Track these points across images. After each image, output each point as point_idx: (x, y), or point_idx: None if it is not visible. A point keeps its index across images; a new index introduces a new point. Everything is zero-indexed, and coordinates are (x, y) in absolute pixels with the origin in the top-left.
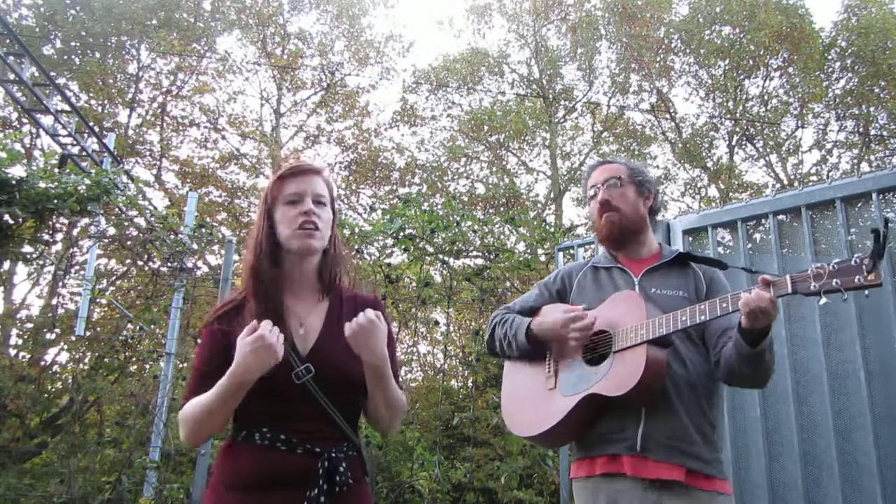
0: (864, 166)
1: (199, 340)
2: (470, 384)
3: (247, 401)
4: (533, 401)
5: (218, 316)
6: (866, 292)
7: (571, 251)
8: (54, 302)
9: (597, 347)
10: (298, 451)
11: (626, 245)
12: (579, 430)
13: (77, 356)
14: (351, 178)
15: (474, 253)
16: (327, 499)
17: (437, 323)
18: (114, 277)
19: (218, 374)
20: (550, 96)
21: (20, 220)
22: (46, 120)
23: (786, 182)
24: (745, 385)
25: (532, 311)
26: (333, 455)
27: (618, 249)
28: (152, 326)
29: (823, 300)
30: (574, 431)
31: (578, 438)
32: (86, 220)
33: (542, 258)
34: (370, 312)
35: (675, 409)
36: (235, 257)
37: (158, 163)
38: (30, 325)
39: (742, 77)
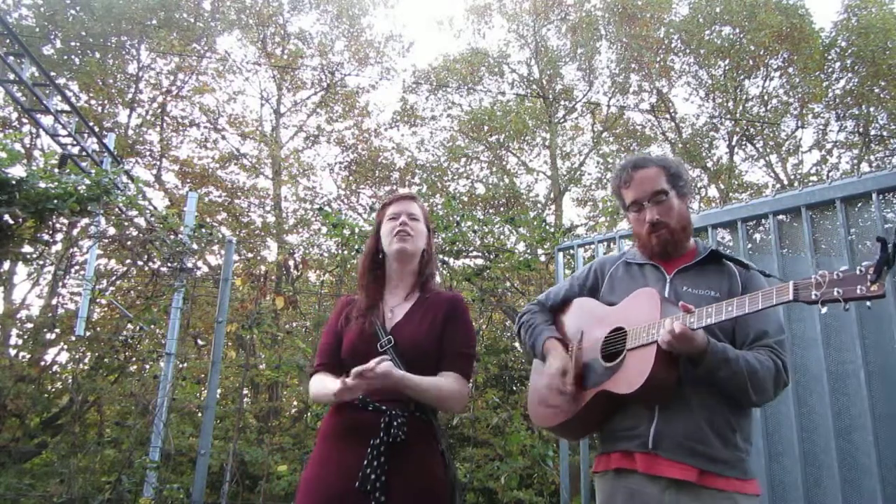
0: (864, 166)
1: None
2: (470, 384)
3: (348, 364)
4: (553, 393)
5: (346, 301)
6: (868, 303)
7: (571, 251)
8: (54, 302)
9: (615, 343)
10: (369, 409)
11: (674, 252)
12: (596, 424)
13: (77, 356)
14: (351, 178)
15: (474, 253)
16: (387, 449)
17: None
18: (114, 277)
19: (335, 340)
20: (550, 96)
21: (20, 220)
22: (46, 120)
23: (786, 182)
24: (746, 405)
25: (563, 304)
26: (394, 413)
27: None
28: (152, 326)
29: (824, 310)
30: (591, 425)
31: (596, 431)
32: (86, 220)
33: (542, 258)
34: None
35: (690, 408)
36: (235, 257)
37: (158, 163)
38: (30, 325)
39: (742, 77)
